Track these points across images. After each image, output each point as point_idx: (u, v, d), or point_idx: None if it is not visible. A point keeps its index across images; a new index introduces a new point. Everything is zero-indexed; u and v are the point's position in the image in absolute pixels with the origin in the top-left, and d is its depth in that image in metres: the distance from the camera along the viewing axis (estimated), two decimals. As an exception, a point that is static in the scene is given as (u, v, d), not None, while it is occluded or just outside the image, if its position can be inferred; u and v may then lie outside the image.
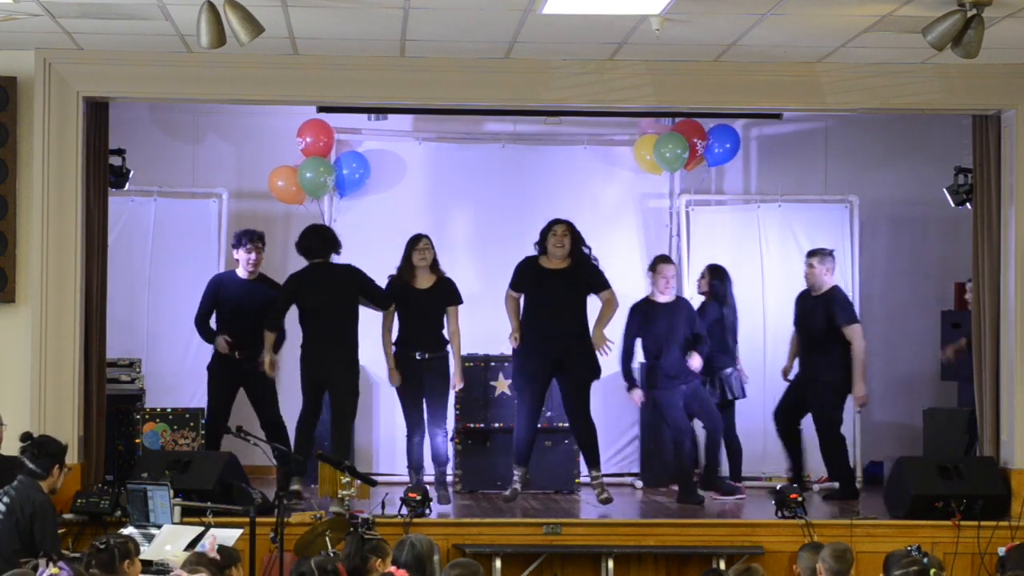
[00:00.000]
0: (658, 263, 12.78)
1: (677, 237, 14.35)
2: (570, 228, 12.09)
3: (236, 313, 12.44)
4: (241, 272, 12.56)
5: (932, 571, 7.02)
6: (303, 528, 9.54)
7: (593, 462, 12.06)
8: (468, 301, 12.53)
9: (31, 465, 9.09)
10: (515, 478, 12.05)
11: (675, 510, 12.34)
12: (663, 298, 12.69)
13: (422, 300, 12.05)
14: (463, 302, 12.16)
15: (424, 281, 12.07)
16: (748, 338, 13.61)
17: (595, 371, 12.09)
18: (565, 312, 11.94)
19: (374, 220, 13.62)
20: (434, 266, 12.11)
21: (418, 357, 11.99)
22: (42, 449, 9.16)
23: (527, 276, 12.06)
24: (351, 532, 8.66)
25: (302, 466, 11.95)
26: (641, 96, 11.80)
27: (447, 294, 12.09)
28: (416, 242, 12.09)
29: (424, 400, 12.09)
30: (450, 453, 12.67)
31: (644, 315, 12.65)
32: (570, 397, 12.01)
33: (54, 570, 6.93)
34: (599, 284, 12.10)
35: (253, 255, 12.47)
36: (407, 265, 12.08)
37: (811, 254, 12.98)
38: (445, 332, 12.14)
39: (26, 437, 9.38)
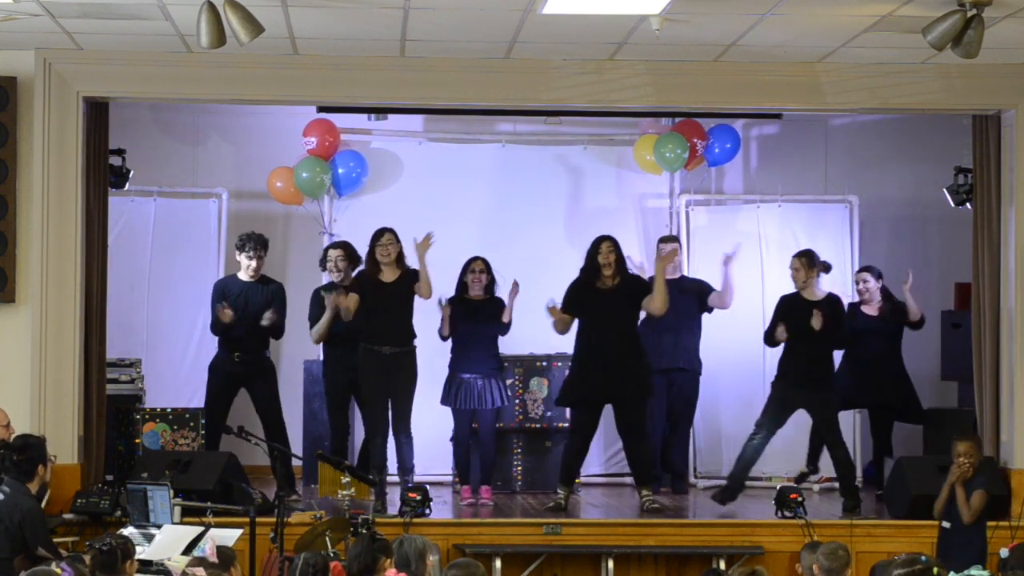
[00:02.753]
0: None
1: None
2: (615, 244, 12.07)
3: (239, 314, 12.41)
4: (242, 275, 12.51)
5: (935, 570, 7.02)
6: (303, 528, 9.54)
7: (643, 480, 12.01)
8: (467, 301, 12.56)
9: (15, 471, 9.08)
10: (560, 495, 11.99)
11: (674, 510, 12.33)
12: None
13: (388, 293, 11.85)
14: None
15: (389, 275, 11.98)
16: (748, 338, 13.58)
17: (649, 390, 12.13)
18: (619, 333, 11.90)
19: (374, 220, 13.58)
20: (399, 260, 11.95)
21: (385, 352, 11.87)
22: (22, 453, 9.14)
23: (580, 297, 11.99)
24: (361, 532, 8.66)
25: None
26: (641, 96, 11.80)
27: (412, 283, 11.94)
28: (379, 236, 11.96)
29: (389, 400, 11.86)
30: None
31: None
32: (628, 416, 11.96)
33: (57, 570, 6.95)
34: (646, 287, 12.16)
35: (254, 263, 12.42)
36: (371, 260, 12.03)
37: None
38: (414, 327, 12.00)
39: (2, 444, 9.37)
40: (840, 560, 8.14)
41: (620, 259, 12.04)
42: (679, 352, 13.24)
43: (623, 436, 12.08)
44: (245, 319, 12.33)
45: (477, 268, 12.49)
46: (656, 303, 11.99)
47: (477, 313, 12.43)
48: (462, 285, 12.49)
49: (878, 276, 13.07)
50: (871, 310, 12.98)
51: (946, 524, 10.24)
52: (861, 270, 13.22)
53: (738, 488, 12.10)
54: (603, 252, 11.95)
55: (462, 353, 12.44)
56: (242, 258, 12.42)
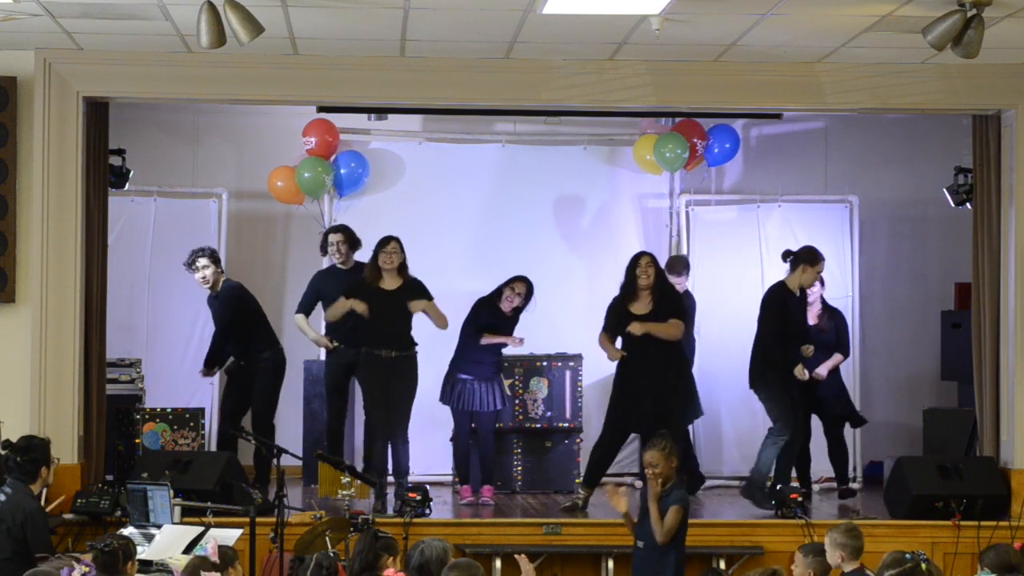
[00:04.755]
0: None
1: (677, 237, 14.34)
2: (654, 260, 12.04)
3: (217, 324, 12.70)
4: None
5: (923, 566, 7.04)
6: (303, 528, 9.53)
7: None
8: (467, 301, 12.53)
9: (17, 472, 9.08)
10: (580, 495, 11.98)
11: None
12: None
13: (388, 300, 11.90)
14: (433, 298, 12.04)
15: (391, 282, 12.01)
16: (748, 338, 13.56)
17: (686, 415, 12.19)
18: (655, 355, 11.86)
19: (374, 220, 13.61)
20: (401, 269, 12.00)
21: (386, 357, 11.90)
22: (25, 454, 9.14)
23: (614, 319, 11.96)
24: (365, 529, 8.66)
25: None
26: (641, 96, 11.80)
27: (414, 292, 11.98)
28: (384, 244, 12.01)
29: (389, 403, 11.90)
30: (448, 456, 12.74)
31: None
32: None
33: (84, 568, 6.97)
34: (673, 312, 12.05)
35: (198, 274, 12.60)
36: (373, 266, 12.06)
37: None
38: (413, 333, 12.03)
39: (6, 444, 9.37)
40: (861, 536, 8.20)
41: (660, 275, 12.01)
42: None
43: None
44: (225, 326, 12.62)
45: (516, 288, 12.46)
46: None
47: (496, 320, 12.45)
48: (498, 293, 12.48)
49: (822, 283, 12.99)
50: (811, 317, 12.87)
51: (640, 543, 9.39)
52: None
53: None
54: (642, 266, 11.91)
55: (464, 353, 12.44)
56: (196, 276, 12.63)
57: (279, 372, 12.66)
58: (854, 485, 13.68)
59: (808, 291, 12.48)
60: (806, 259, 12.11)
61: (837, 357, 13.04)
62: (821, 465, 13.25)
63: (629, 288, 11.93)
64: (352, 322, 12.06)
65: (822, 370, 12.84)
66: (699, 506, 12.57)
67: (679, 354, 12.12)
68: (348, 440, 13.16)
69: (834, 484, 13.14)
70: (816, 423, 13.03)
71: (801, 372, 11.99)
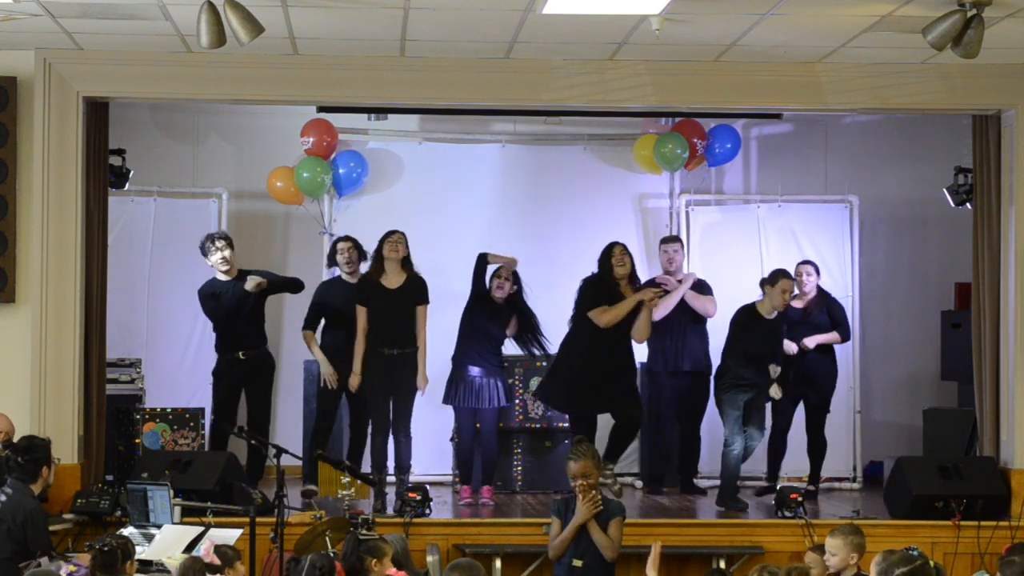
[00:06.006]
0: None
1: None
2: (627, 249, 12.07)
3: (234, 313, 12.44)
4: (221, 276, 12.50)
5: (931, 563, 7.05)
6: (303, 528, 9.54)
7: (610, 455, 11.86)
8: (466, 301, 12.54)
9: (18, 472, 9.08)
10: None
11: (675, 510, 12.33)
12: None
13: (391, 297, 11.92)
14: (430, 302, 12.04)
15: (394, 278, 12.00)
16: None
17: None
18: (628, 346, 11.95)
19: (373, 220, 13.60)
20: (405, 263, 12.01)
21: (388, 354, 11.92)
22: (26, 454, 9.14)
23: (608, 292, 11.93)
24: (349, 532, 8.67)
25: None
26: (641, 96, 11.80)
27: (416, 293, 11.99)
28: (388, 236, 12.03)
29: (391, 399, 11.92)
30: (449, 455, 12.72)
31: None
32: (633, 417, 11.99)
33: (71, 568, 6.97)
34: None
35: (227, 253, 12.42)
36: (377, 260, 12.07)
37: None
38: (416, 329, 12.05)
39: (7, 445, 9.38)
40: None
41: (633, 265, 12.05)
42: (683, 355, 13.21)
43: (622, 427, 12.06)
44: (241, 316, 12.36)
45: (502, 275, 12.47)
46: (640, 333, 11.98)
47: (493, 313, 12.43)
48: (488, 289, 12.47)
49: (818, 272, 13.11)
50: (799, 303, 12.94)
51: (577, 562, 9.05)
52: (805, 262, 13.19)
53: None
54: (616, 255, 11.93)
55: (466, 346, 12.44)
56: (214, 258, 12.40)
57: (274, 369, 12.67)
58: (855, 485, 13.71)
59: (803, 282, 12.75)
60: (768, 281, 12.28)
61: (833, 335, 12.98)
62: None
63: (607, 277, 11.90)
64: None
65: (810, 341, 12.83)
66: (698, 507, 12.59)
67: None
68: (339, 438, 13.14)
69: (833, 484, 13.14)
70: (802, 420, 13.01)
71: (788, 347, 12.42)
